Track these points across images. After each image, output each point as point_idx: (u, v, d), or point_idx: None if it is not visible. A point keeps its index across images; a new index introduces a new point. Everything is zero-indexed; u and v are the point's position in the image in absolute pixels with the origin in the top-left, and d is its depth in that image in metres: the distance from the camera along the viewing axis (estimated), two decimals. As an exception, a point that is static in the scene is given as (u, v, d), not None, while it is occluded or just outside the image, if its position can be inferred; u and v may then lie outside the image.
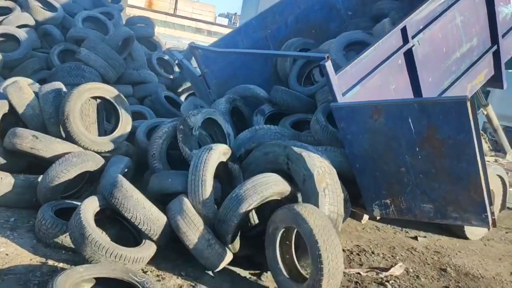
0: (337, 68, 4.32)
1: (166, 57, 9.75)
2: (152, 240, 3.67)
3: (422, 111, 3.59)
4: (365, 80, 4.35)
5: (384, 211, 4.13)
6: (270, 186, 3.62)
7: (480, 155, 3.47)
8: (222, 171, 4.17)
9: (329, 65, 4.04)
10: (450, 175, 3.64)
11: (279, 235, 3.52)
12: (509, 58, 5.95)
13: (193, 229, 3.59)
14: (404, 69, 4.70)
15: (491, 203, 3.62)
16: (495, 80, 5.88)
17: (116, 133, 4.85)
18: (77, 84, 6.79)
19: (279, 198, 3.73)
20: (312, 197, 3.58)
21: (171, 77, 9.42)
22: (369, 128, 3.90)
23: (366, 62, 4.36)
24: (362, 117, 3.92)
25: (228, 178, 4.25)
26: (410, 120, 3.65)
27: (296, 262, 3.60)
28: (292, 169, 3.78)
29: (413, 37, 4.65)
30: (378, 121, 3.83)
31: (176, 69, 9.73)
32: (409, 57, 4.68)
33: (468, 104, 3.34)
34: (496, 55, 5.70)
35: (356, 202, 4.51)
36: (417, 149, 3.71)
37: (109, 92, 4.98)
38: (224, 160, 4.08)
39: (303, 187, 3.69)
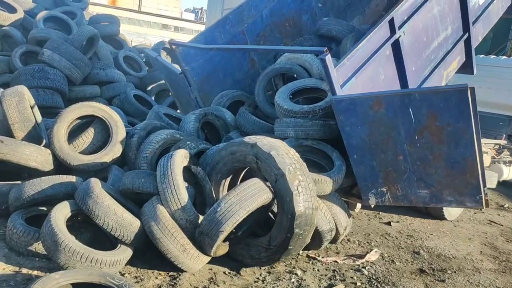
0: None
1: (133, 55, 9.59)
2: (127, 245, 3.64)
3: (423, 100, 3.75)
4: (359, 72, 4.48)
5: (380, 199, 4.26)
6: (255, 199, 3.56)
7: (477, 140, 3.68)
8: (186, 175, 4.05)
9: (328, 58, 4.07)
10: (447, 161, 3.84)
11: None
12: (477, 44, 6.24)
13: (167, 235, 3.55)
14: (392, 60, 4.89)
15: (485, 185, 3.85)
16: (466, 67, 6.18)
17: (99, 154, 4.60)
18: (42, 86, 6.71)
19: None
20: (286, 197, 3.56)
21: (139, 75, 9.28)
22: (368, 119, 4.01)
23: (360, 54, 4.47)
24: (362, 108, 4.02)
25: (193, 182, 4.14)
26: (410, 109, 3.81)
27: None
28: (262, 168, 3.71)
29: (399, 28, 4.81)
30: (379, 111, 3.95)
31: (145, 66, 9.61)
32: (396, 47, 4.86)
33: (469, 91, 3.54)
34: (467, 43, 5.98)
35: (349, 192, 4.63)
36: (416, 137, 3.88)
37: (99, 111, 4.73)
38: (186, 164, 4.01)
39: (275, 186, 3.64)
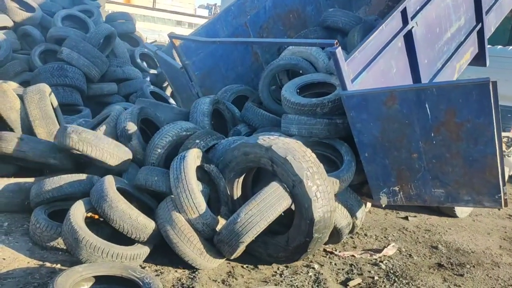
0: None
1: (149, 52, 9.68)
2: (143, 244, 3.69)
3: (440, 95, 3.58)
4: (371, 65, 4.31)
5: (392, 199, 4.09)
6: (275, 208, 3.52)
7: (498, 137, 3.52)
8: (199, 174, 3.98)
9: (339, 51, 3.87)
10: (465, 159, 3.67)
11: None
12: (490, 34, 6.06)
13: (184, 240, 3.56)
14: (404, 52, 4.69)
15: (504, 184, 3.68)
16: (478, 58, 5.97)
17: None
18: (61, 84, 6.83)
19: None
20: (304, 203, 3.51)
21: (155, 72, 9.37)
22: (381, 115, 3.83)
23: (371, 46, 4.30)
24: (375, 104, 3.83)
25: (206, 179, 4.08)
26: (427, 105, 3.63)
27: None
28: (278, 172, 3.62)
29: (412, 18, 4.63)
30: (393, 107, 3.76)
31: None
32: (408, 39, 4.67)
33: (491, 86, 3.37)
34: (480, 33, 5.78)
35: (359, 190, 4.50)
36: (432, 134, 3.71)
37: None
38: (199, 163, 3.94)
39: (293, 191, 3.57)
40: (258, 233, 3.52)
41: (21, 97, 4.76)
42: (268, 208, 3.49)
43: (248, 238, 3.49)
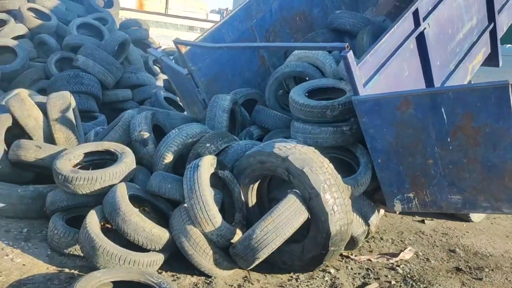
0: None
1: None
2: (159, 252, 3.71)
3: (457, 99, 3.49)
4: (383, 69, 4.21)
5: (406, 205, 4.00)
6: (292, 224, 3.47)
7: None
8: (213, 180, 3.90)
9: (350, 55, 3.78)
10: (483, 164, 3.56)
11: None
12: (502, 34, 5.97)
13: (199, 251, 3.56)
14: (416, 54, 4.60)
15: None
16: (491, 59, 5.87)
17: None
18: (77, 91, 6.94)
19: None
20: (321, 216, 3.48)
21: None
22: (395, 120, 3.74)
23: (383, 49, 4.22)
24: (389, 109, 3.74)
25: (220, 184, 4.04)
26: (443, 109, 3.54)
27: None
28: (295, 183, 3.58)
29: (424, 19, 4.54)
30: (407, 112, 3.67)
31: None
32: (420, 41, 4.58)
33: (510, 88, 3.27)
34: (493, 33, 5.69)
35: (372, 196, 4.44)
36: (449, 139, 3.61)
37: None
38: (213, 170, 3.85)
39: (309, 203, 3.53)
40: (274, 249, 3.49)
41: (39, 104, 4.85)
42: (285, 224, 3.45)
43: (263, 255, 3.47)
